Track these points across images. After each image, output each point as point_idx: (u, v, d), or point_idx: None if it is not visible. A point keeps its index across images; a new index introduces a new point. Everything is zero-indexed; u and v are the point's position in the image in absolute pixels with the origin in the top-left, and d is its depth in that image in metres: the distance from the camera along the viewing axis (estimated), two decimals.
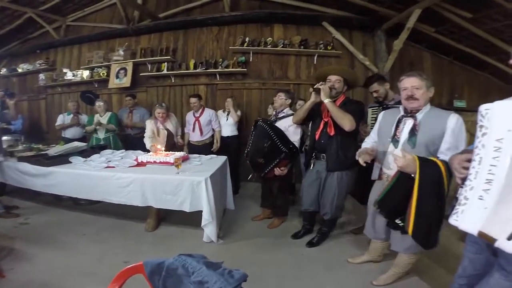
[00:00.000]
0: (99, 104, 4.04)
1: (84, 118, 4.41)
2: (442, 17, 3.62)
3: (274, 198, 3.00)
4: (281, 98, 2.87)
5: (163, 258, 1.01)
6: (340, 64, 4.34)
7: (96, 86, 5.26)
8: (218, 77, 4.69)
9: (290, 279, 2.13)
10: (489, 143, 0.87)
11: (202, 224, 2.48)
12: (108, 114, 4.09)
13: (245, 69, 4.50)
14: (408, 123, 1.74)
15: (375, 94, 2.71)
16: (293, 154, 2.57)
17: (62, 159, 3.05)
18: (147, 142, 3.20)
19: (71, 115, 4.35)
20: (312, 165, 2.52)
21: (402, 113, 1.79)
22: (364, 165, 1.83)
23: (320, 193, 2.50)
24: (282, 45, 4.45)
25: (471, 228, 0.92)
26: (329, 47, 4.34)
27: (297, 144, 2.72)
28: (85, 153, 3.28)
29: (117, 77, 4.91)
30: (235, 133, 4.00)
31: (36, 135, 5.46)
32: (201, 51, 4.82)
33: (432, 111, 1.70)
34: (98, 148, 3.55)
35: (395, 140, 1.79)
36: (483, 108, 0.93)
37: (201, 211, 2.48)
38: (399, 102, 1.91)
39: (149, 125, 3.33)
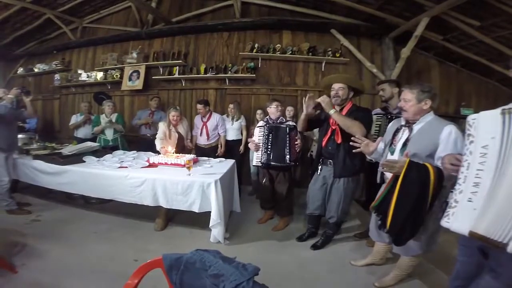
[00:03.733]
0: (108, 104, 4.09)
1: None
2: (450, 25, 3.64)
3: (277, 199, 3.06)
4: (280, 107, 3.05)
5: (181, 253, 1.08)
6: (348, 71, 4.40)
7: (109, 87, 5.40)
8: (227, 82, 4.78)
9: (294, 280, 2.18)
10: (476, 150, 0.96)
11: (210, 225, 2.55)
12: (115, 115, 4.15)
13: (254, 75, 4.59)
14: (405, 133, 1.81)
15: (381, 93, 2.81)
16: (295, 127, 2.82)
17: (76, 158, 3.14)
18: (158, 143, 3.29)
19: (83, 116, 4.44)
20: (319, 171, 2.59)
21: (402, 122, 1.87)
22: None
23: (327, 198, 2.57)
24: (290, 52, 4.51)
25: (462, 229, 0.99)
26: (337, 54, 4.39)
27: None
28: (98, 153, 3.39)
29: (130, 79, 5.03)
30: (239, 137, 4.11)
31: (48, 134, 5.62)
32: (212, 56, 4.92)
33: (432, 121, 1.74)
34: (109, 149, 3.65)
35: (391, 148, 1.86)
36: (470, 118, 1.02)
37: (208, 212, 2.55)
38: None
39: (162, 127, 3.41)
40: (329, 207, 2.58)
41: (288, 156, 2.79)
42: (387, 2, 3.70)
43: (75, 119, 4.49)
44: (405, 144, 1.77)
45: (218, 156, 3.80)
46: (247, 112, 4.45)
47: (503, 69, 4.03)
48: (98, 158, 3.20)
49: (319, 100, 2.26)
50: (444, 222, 1.08)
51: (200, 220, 2.76)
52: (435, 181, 1.48)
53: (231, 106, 4.05)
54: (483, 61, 4.16)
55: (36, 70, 6.10)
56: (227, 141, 4.05)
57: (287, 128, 2.82)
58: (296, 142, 2.84)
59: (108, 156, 3.33)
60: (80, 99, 5.49)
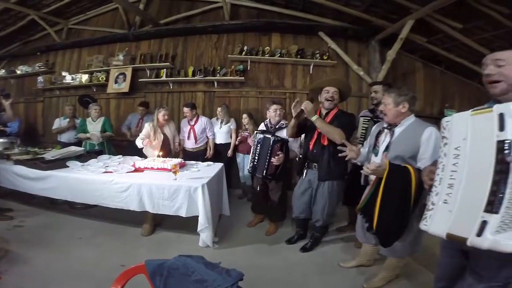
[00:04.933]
0: (95, 108, 4.01)
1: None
2: (434, 28, 3.72)
3: (271, 204, 3.03)
4: (280, 111, 2.97)
5: (164, 259, 1.07)
6: (335, 74, 4.44)
7: (95, 90, 5.28)
8: (216, 84, 4.74)
9: (284, 283, 2.18)
10: (450, 152, 0.97)
11: (198, 229, 2.52)
12: (101, 119, 4.05)
13: (243, 78, 4.57)
14: (387, 136, 1.84)
15: (372, 94, 2.82)
16: (282, 139, 2.62)
17: (59, 163, 3.06)
18: (139, 142, 3.23)
19: (67, 119, 4.33)
20: (304, 174, 2.59)
21: (385, 125, 1.90)
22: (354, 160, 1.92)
23: (312, 201, 2.58)
24: (279, 54, 4.52)
25: (439, 231, 0.98)
26: (325, 57, 4.43)
27: (297, 150, 2.84)
28: (82, 158, 3.31)
29: (115, 82, 4.94)
30: (228, 140, 4.07)
31: (31, 138, 5.45)
32: (200, 58, 4.89)
33: (414, 124, 1.78)
34: (94, 153, 3.57)
35: (375, 150, 1.90)
36: (445, 120, 1.03)
37: (197, 217, 2.52)
38: None
39: (147, 128, 3.35)
40: (314, 211, 2.59)
41: (265, 171, 2.68)
42: (373, 4, 3.75)
43: (58, 123, 4.37)
44: (388, 147, 1.80)
45: (206, 160, 3.77)
46: (236, 115, 4.42)
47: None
48: (82, 163, 3.13)
49: (302, 107, 2.25)
50: (422, 225, 1.07)
51: (188, 224, 2.72)
52: (417, 182, 1.51)
53: (219, 109, 4.02)
54: (465, 63, 4.28)
55: (18, 72, 5.91)
56: (215, 145, 4.02)
57: (271, 141, 2.63)
58: (277, 156, 2.63)
59: (93, 160, 3.26)
60: (65, 102, 5.37)
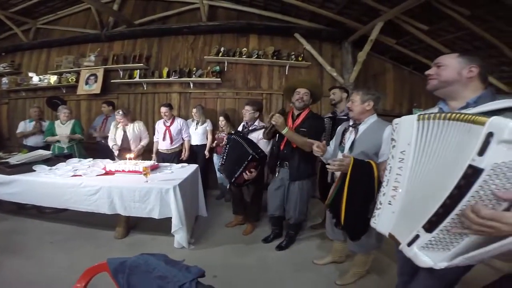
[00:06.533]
0: (64, 112, 3.85)
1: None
2: (402, 30, 3.86)
3: (246, 205, 3.06)
4: (250, 112, 2.96)
5: (126, 257, 1.06)
6: (310, 75, 4.53)
7: (64, 92, 5.07)
8: (191, 85, 4.70)
9: (260, 282, 2.20)
10: (396, 155, 0.98)
11: (172, 230, 2.51)
12: (71, 122, 3.90)
13: (219, 79, 4.55)
14: (352, 134, 1.93)
15: (331, 96, 3.06)
16: (260, 157, 2.61)
17: (26, 167, 2.93)
18: (110, 142, 3.38)
19: (33, 122, 4.14)
20: (277, 173, 2.65)
21: (350, 123, 1.99)
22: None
23: (285, 199, 2.64)
24: (256, 55, 4.54)
25: (383, 231, 1.02)
26: (299, 58, 4.49)
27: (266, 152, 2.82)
28: (50, 162, 3.17)
29: (86, 83, 4.78)
30: (204, 141, 4.05)
31: None
32: (175, 59, 4.82)
33: (376, 122, 1.88)
34: (63, 157, 3.44)
35: (341, 147, 1.98)
36: (394, 122, 1.04)
37: (171, 218, 2.49)
38: (347, 115, 2.13)
39: (113, 127, 3.62)
40: (287, 208, 2.65)
41: (234, 179, 2.66)
42: (347, 6, 3.84)
43: (23, 126, 4.17)
44: (353, 144, 1.88)
45: (182, 161, 3.73)
46: (212, 116, 4.40)
47: None
48: (50, 167, 3.01)
49: (272, 121, 2.31)
50: (372, 223, 1.11)
51: (163, 226, 2.68)
52: (379, 176, 1.58)
53: (194, 110, 4.00)
54: (431, 64, 4.48)
55: None
56: (191, 146, 3.98)
57: (251, 156, 2.53)
58: (249, 172, 2.58)
59: (61, 164, 3.14)
60: (32, 104, 5.10)
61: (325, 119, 2.92)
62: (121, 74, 4.85)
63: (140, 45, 4.95)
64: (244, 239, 2.89)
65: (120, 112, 3.58)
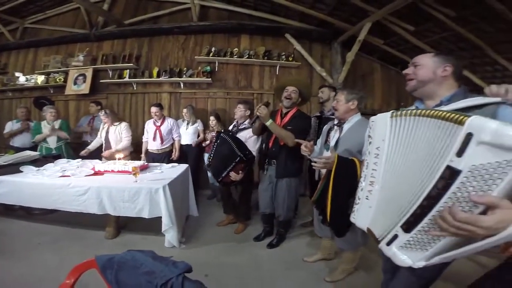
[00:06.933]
0: (50, 111, 3.79)
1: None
2: (389, 30, 3.94)
3: (235, 204, 3.07)
4: (240, 110, 3.00)
5: (113, 254, 1.07)
6: (300, 75, 4.57)
7: (52, 92, 4.98)
8: (182, 85, 4.69)
9: (251, 280, 2.21)
10: (372, 151, 1.01)
11: (163, 229, 2.50)
12: (58, 122, 3.85)
13: (210, 79, 4.55)
14: (337, 132, 1.98)
15: (320, 94, 3.13)
16: (248, 159, 2.64)
17: (13, 168, 2.89)
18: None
19: (21, 123, 4.05)
20: (265, 170, 2.67)
21: (335, 122, 2.05)
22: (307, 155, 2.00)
23: (273, 197, 2.67)
24: (247, 55, 4.56)
25: (362, 225, 1.04)
26: (290, 58, 4.54)
27: (255, 153, 2.85)
28: (37, 163, 3.14)
29: (75, 83, 4.71)
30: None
31: None
32: (166, 59, 4.80)
33: (360, 121, 1.93)
34: (51, 158, 3.39)
35: (327, 145, 2.03)
36: (371, 120, 1.07)
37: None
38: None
39: (101, 127, 3.68)
40: (276, 206, 2.68)
41: (221, 178, 2.67)
42: (336, 7, 3.90)
43: (10, 126, 4.09)
44: (337, 142, 1.92)
45: (172, 161, 3.72)
46: (203, 116, 4.40)
47: None
48: (38, 168, 2.96)
49: (257, 112, 2.33)
50: (352, 218, 1.14)
51: (153, 226, 2.68)
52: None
53: (185, 110, 4.00)
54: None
55: None
56: (182, 146, 3.98)
57: (238, 158, 2.56)
58: (237, 173, 2.60)
59: (49, 165, 3.10)
60: (18, 104, 5.00)
61: (312, 118, 2.96)
62: (111, 74, 4.80)
63: (130, 45, 4.92)
64: (236, 238, 2.91)
65: (103, 112, 3.58)
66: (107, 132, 3.67)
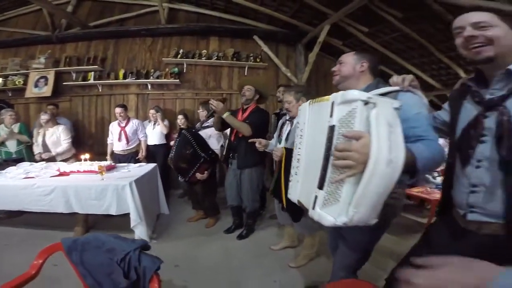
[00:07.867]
0: (10, 114, 3.64)
1: None
2: (346, 32, 4.23)
3: (201, 201, 3.17)
4: (201, 111, 3.27)
5: (77, 237, 1.14)
6: (267, 75, 4.77)
7: (10, 95, 4.78)
8: (149, 87, 4.70)
9: (222, 270, 2.30)
10: (298, 133, 1.19)
11: (132, 225, 2.53)
12: (17, 125, 3.71)
13: (178, 80, 4.60)
14: (288, 127, 2.15)
15: (277, 94, 3.40)
16: (212, 159, 2.80)
17: None
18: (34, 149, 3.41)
19: None
20: (230, 164, 2.81)
21: (287, 117, 2.22)
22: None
23: (239, 189, 2.80)
24: (216, 57, 4.67)
25: (294, 199, 1.17)
26: (257, 59, 4.72)
27: (218, 151, 3.01)
28: None
29: (36, 86, 4.56)
30: (163, 141, 4.07)
31: None
32: (132, 61, 4.78)
33: None
34: (12, 161, 3.27)
35: (280, 139, 2.20)
36: (299, 108, 1.26)
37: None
38: None
39: (35, 132, 3.58)
40: (242, 198, 2.81)
41: (187, 178, 2.86)
42: (299, 10, 4.13)
43: None
44: (288, 135, 2.09)
45: (138, 161, 3.74)
46: (171, 117, 4.44)
47: (391, 71, 4.87)
48: None
49: (213, 106, 2.47)
50: (288, 195, 1.26)
51: (123, 225, 2.67)
52: None
53: (152, 111, 4.02)
54: None
55: None
56: (149, 146, 3.99)
57: (203, 159, 2.78)
58: (202, 173, 2.84)
59: (11, 168, 3.00)
60: None
61: (272, 115, 3.17)
62: (74, 77, 4.70)
63: (95, 47, 4.84)
64: (206, 232, 2.99)
65: (43, 112, 3.53)
66: (43, 136, 3.53)
